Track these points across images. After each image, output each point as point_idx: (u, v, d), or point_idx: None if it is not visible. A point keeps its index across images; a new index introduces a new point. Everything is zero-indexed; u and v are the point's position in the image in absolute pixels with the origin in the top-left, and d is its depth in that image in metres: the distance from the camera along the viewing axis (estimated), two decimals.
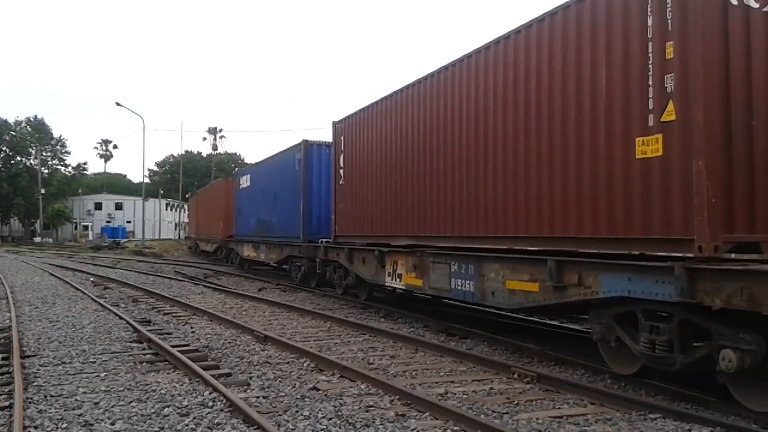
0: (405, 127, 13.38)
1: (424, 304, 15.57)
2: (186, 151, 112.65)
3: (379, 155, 14.65)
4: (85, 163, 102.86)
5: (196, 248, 43.92)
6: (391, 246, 13.89)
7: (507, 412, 6.78)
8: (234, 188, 30.27)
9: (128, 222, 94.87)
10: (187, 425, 6.24)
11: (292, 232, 20.46)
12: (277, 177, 22.79)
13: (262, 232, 24.49)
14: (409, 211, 13.18)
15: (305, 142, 19.99)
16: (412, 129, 13.10)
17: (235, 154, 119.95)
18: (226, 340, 11.09)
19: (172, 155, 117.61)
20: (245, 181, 27.85)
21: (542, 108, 9.16)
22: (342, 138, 16.78)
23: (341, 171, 16.80)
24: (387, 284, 14.31)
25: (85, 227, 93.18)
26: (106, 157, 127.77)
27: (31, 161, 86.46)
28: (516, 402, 7.16)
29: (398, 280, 13.52)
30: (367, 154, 15.26)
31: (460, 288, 11.03)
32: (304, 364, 9.05)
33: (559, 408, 6.98)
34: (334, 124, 17.27)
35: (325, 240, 17.77)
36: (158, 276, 26.27)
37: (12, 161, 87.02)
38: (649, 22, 7.35)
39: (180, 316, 14.08)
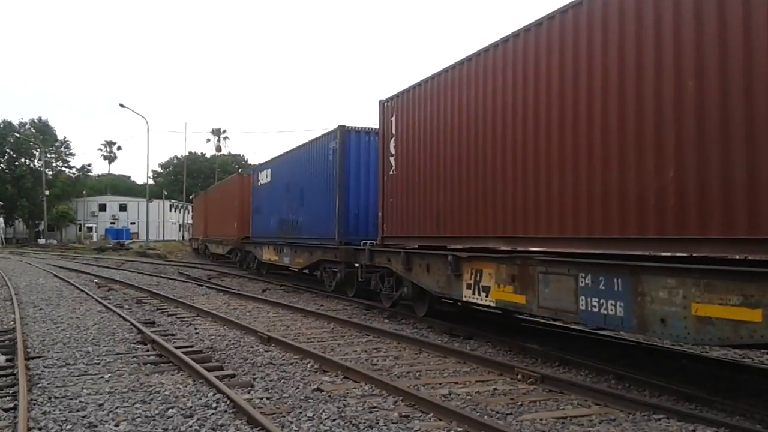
0: (502, 93, 10.18)
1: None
2: (190, 153, 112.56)
3: (451, 134, 11.64)
4: (89, 165, 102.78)
5: (204, 251, 41.50)
6: (471, 250, 10.93)
7: (511, 413, 6.78)
8: (251, 185, 27.88)
9: (132, 223, 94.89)
10: (191, 426, 6.24)
11: (325, 233, 18.11)
12: (305, 170, 20.29)
13: (286, 233, 22.11)
14: (501, 204, 10.17)
15: (342, 128, 17.41)
16: (516, 93, 9.85)
17: (239, 155, 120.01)
18: (229, 341, 11.10)
19: (176, 156, 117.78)
20: (265, 177, 25.42)
21: None
22: (393, 119, 13.96)
23: (392, 159, 13.98)
24: (466, 299, 11.07)
25: (89, 229, 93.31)
26: (110, 158, 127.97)
27: (36, 163, 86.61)
28: (520, 403, 7.15)
29: (484, 294, 10.53)
30: (432, 135, 12.35)
31: (596, 310, 8.08)
32: (308, 366, 9.06)
33: (563, 409, 6.97)
34: (382, 103, 14.52)
35: (369, 242, 15.18)
36: (162, 277, 26.30)
37: (16, 163, 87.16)
38: None
39: (184, 318, 14.10)
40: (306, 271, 22.53)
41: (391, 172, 14.06)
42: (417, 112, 12.99)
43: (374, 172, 15.98)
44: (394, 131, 13.94)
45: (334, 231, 17.32)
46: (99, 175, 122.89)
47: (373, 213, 16.04)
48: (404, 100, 13.59)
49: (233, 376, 8.43)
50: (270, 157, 27.62)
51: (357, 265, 15.73)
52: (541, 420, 6.53)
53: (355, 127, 17.55)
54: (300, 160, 20.96)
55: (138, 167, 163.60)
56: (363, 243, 15.35)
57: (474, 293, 10.77)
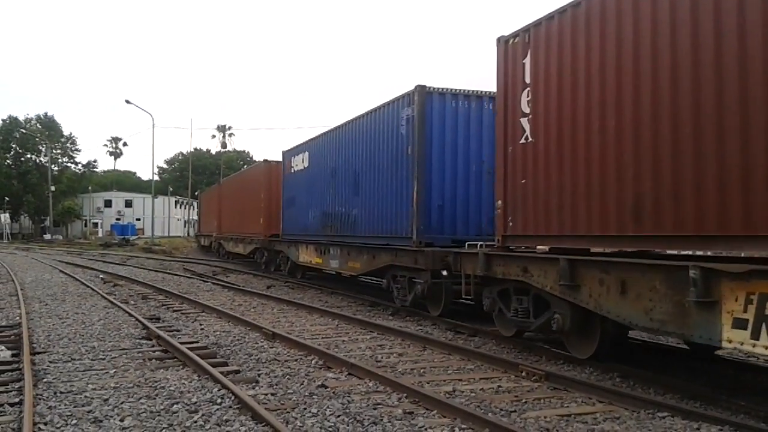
0: None
1: None
2: (195, 149, 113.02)
3: (666, 66, 7.27)
4: (94, 161, 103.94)
5: (218, 249, 38.00)
6: (722, 259, 7.16)
7: (515, 411, 6.77)
8: (280, 173, 24.02)
9: (138, 219, 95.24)
10: (195, 422, 6.26)
11: (393, 229, 14.36)
12: (362, 149, 16.23)
13: (332, 229, 18.14)
14: None
15: (421, 89, 13.36)
16: None
17: (244, 151, 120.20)
18: (234, 337, 11.12)
19: (182, 153, 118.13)
20: (300, 162, 21.37)
21: None
22: (528, 61, 9.67)
23: (524, 121, 9.66)
24: (731, 345, 6.39)
25: (95, 224, 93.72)
26: (116, 154, 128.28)
27: (41, 159, 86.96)
28: (524, 400, 7.15)
29: None
30: (617, 72, 7.95)
31: None
32: (313, 362, 9.07)
33: (568, 406, 6.96)
34: (504, 41, 10.27)
35: (479, 243, 11.07)
36: (167, 273, 26.37)
37: (22, 159, 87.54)
38: None
39: (189, 313, 14.13)
40: (357, 276, 19.31)
41: (521, 141, 9.68)
42: (579, 43, 8.64)
43: (468, 149, 13.65)
44: (528, 79, 9.65)
45: (410, 228, 13.47)
46: (104, 171, 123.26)
47: (462, 203, 13.65)
48: (549, 32, 9.29)
49: (238, 371, 8.44)
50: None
51: (467, 275, 11.20)
52: (545, 417, 6.53)
53: (438, 89, 13.63)
54: (355, 137, 16.84)
55: (143, 163, 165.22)
56: (480, 245, 10.96)
57: (755, 336, 6.11)
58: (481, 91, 13.90)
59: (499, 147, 10.37)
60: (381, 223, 15.08)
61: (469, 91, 13.83)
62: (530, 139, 9.59)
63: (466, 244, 11.55)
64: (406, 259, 13.66)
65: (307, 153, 20.86)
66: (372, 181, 15.64)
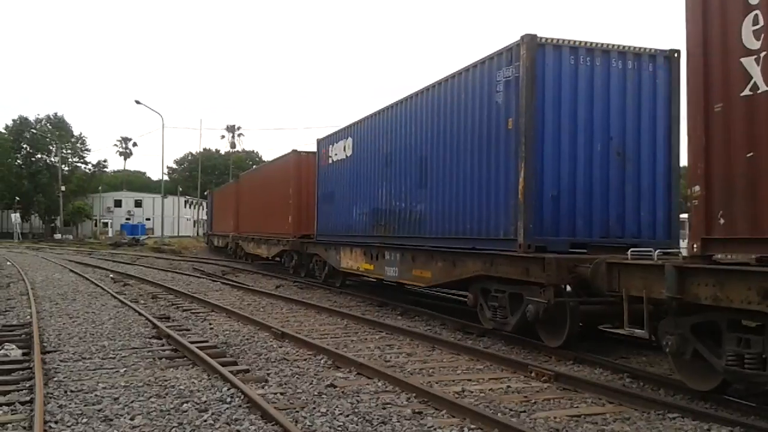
0: None
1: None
2: (204, 149, 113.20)
3: None
4: (105, 161, 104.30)
5: (235, 251, 34.89)
6: None
7: (524, 411, 6.77)
8: (314, 164, 21.09)
9: (147, 219, 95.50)
10: (205, 421, 6.29)
11: (485, 229, 11.10)
12: (433, 129, 12.92)
13: (388, 229, 15.02)
14: None
15: (530, 39, 10.14)
16: None
17: (253, 151, 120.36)
18: (244, 336, 11.15)
19: (191, 153, 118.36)
20: (340, 151, 18.34)
21: None
22: None
23: (749, 62, 6.55)
24: None
25: (105, 224, 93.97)
26: (126, 154, 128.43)
27: (52, 159, 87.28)
28: (533, 401, 7.14)
29: None
30: None
31: None
32: (322, 361, 9.08)
33: (577, 407, 6.95)
34: None
35: (656, 251, 7.84)
36: (177, 273, 26.45)
37: (33, 159, 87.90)
38: None
39: (198, 313, 14.18)
40: (428, 288, 15.75)
41: (743, 93, 6.59)
42: None
43: (591, 122, 10.57)
44: None
45: (513, 226, 10.28)
46: (115, 171, 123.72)
47: (583, 194, 10.51)
48: None
49: (247, 371, 8.47)
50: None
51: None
52: (554, 418, 6.51)
53: (553, 40, 10.40)
54: (417, 116, 13.71)
55: (153, 163, 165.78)
56: (629, 252, 7.96)
57: None
58: (607, 45, 10.69)
59: (694, 105, 7.16)
60: (462, 220, 11.78)
61: (591, 43, 10.61)
62: (764, 88, 6.36)
63: (630, 251, 7.93)
64: (509, 269, 10.27)
65: (350, 139, 17.65)
66: (447, 168, 12.34)
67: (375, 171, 15.95)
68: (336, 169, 18.84)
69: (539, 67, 10.23)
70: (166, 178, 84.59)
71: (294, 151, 23.95)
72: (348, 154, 17.78)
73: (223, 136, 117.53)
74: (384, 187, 15.31)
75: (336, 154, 18.76)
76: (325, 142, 19.94)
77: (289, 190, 23.22)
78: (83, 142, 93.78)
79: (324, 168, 19.94)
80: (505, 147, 10.58)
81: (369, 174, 16.34)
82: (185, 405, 6.80)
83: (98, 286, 19.65)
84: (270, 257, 26.64)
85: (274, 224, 25.02)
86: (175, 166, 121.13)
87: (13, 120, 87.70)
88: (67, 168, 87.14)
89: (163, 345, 10.32)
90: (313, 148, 21.56)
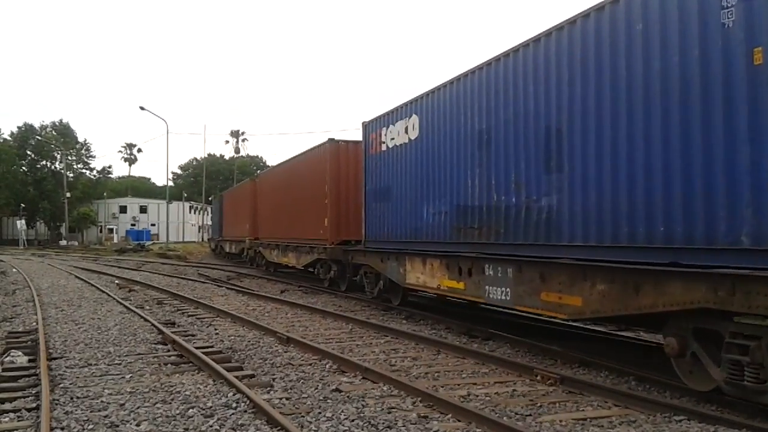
0: None
1: None
2: (209, 155, 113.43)
3: None
4: (109, 167, 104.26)
5: (253, 259, 31.70)
6: None
7: (530, 414, 6.76)
8: (352, 155, 18.47)
9: (152, 225, 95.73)
10: (211, 426, 6.29)
11: (704, 232, 6.92)
12: (575, 82, 8.92)
13: (484, 233, 11.06)
14: None
15: None
16: None
17: (257, 156, 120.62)
18: (249, 341, 11.15)
19: (196, 158, 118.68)
20: (401, 133, 14.46)
21: None
22: None
23: None
24: None
25: (110, 230, 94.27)
26: (131, 160, 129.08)
27: (57, 165, 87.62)
28: (539, 404, 7.13)
29: None
30: None
31: None
32: (327, 366, 9.08)
33: (583, 410, 6.93)
34: None
35: None
36: (182, 278, 26.47)
37: (38, 166, 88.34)
38: None
39: (204, 318, 14.19)
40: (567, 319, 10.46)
41: None
42: None
43: None
44: None
45: None
46: (119, 177, 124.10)
47: None
48: None
49: (253, 376, 8.47)
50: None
51: None
52: (560, 421, 6.50)
53: None
54: (539, 68, 9.75)
55: (158, 169, 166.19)
56: None
57: None
58: None
59: None
60: (645, 218, 7.71)
61: None
62: None
63: None
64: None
65: (415, 118, 13.80)
66: (607, 139, 8.33)
67: (460, 155, 11.95)
68: (393, 157, 14.91)
69: None
70: (170, 183, 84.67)
71: (330, 139, 19.54)
72: (412, 137, 13.92)
73: (227, 142, 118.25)
74: (477, 175, 11.36)
75: (393, 139, 14.96)
76: (375, 125, 16.06)
77: (324, 187, 19.33)
78: (88, 149, 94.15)
79: (375, 157, 16.04)
80: (749, 95, 6.55)
81: (449, 160, 12.36)
82: (191, 410, 6.81)
83: (104, 292, 19.68)
84: (300, 267, 22.74)
85: (305, 228, 21.21)
86: (179, 171, 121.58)
87: (18, 127, 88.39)
88: (72, 174, 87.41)
89: (168, 351, 10.33)
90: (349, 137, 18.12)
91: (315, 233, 20.00)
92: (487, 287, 10.91)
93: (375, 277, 16.48)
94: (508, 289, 10.35)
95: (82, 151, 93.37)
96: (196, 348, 9.91)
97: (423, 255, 13.32)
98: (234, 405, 7.01)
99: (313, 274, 21.98)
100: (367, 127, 16.62)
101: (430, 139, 13.15)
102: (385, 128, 15.43)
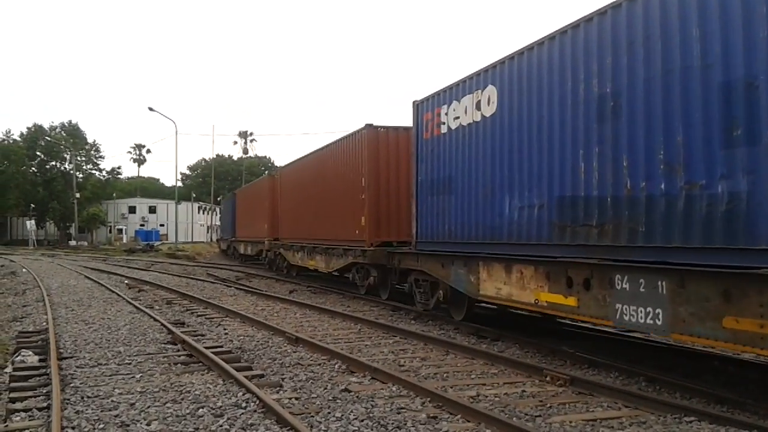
0: None
1: None
2: (217, 155, 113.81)
3: None
4: (119, 168, 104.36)
5: (273, 261, 28.84)
6: None
7: (539, 415, 6.74)
8: (395, 144, 16.53)
9: (161, 225, 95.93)
10: (221, 426, 6.31)
11: None
12: None
13: (608, 232, 8.29)
14: None
15: None
16: None
17: (265, 157, 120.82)
18: (258, 341, 11.17)
19: (204, 159, 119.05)
20: (467, 111, 11.98)
21: None
22: None
23: None
24: None
25: (120, 230, 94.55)
26: (140, 161, 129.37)
27: (66, 166, 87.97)
28: (549, 405, 7.11)
29: None
30: None
31: None
32: (336, 366, 9.09)
33: (593, 411, 6.92)
34: None
35: None
36: (191, 278, 26.55)
37: (47, 166, 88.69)
38: None
39: (213, 318, 14.22)
40: None
41: None
42: None
43: None
44: None
45: None
46: (129, 178, 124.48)
47: None
48: None
49: (262, 376, 8.49)
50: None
51: None
52: (570, 422, 6.49)
53: None
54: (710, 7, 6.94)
55: (167, 170, 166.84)
56: None
57: None
58: None
59: None
60: None
61: None
62: None
63: None
64: None
65: (492, 89, 11.22)
66: None
67: (565, 132, 9.29)
68: (458, 139, 12.37)
69: None
70: (179, 184, 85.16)
71: (368, 125, 17.09)
72: (487, 114, 11.36)
73: (235, 142, 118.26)
74: (596, 156, 8.62)
75: (457, 118, 12.38)
76: (430, 104, 13.51)
77: (361, 180, 16.96)
78: (97, 149, 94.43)
79: (430, 142, 13.51)
80: None
81: (545, 139, 9.76)
82: (201, 410, 6.83)
83: (113, 292, 19.75)
84: (332, 271, 20.08)
85: (337, 228, 18.91)
86: (188, 172, 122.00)
87: (28, 128, 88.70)
88: (81, 175, 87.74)
89: (178, 350, 10.36)
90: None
91: (349, 233, 17.73)
92: (618, 306, 8.03)
93: (430, 285, 13.81)
94: (659, 311, 7.43)
95: (92, 152, 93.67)
96: (206, 348, 9.94)
97: (508, 260, 10.61)
98: (244, 405, 7.03)
99: (348, 278, 19.10)
100: (419, 106, 13.99)
101: (515, 115, 10.56)
102: (445, 106, 12.81)
